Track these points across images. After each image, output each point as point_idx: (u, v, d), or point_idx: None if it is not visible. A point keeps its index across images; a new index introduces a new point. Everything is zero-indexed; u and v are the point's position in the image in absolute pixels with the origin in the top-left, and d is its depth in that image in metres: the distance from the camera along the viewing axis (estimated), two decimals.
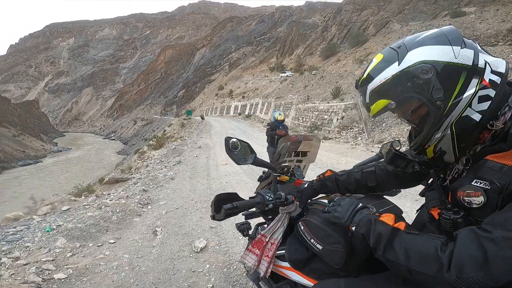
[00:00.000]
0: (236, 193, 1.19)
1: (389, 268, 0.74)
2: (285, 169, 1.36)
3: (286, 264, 1.12)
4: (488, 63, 0.64)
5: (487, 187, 0.63)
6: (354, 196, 1.10)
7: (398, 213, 0.87)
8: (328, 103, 15.08)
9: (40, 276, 2.37)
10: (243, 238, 2.32)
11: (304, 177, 1.38)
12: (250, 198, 1.13)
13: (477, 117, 0.63)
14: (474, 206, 0.66)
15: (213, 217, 1.08)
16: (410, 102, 0.68)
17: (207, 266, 2.50)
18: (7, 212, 5.35)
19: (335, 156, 7.40)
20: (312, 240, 0.97)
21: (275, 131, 5.52)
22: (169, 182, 5.88)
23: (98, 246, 3.01)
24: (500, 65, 0.65)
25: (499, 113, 0.63)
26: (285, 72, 34.58)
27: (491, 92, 0.63)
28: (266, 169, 1.30)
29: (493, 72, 0.64)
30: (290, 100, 20.45)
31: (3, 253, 2.89)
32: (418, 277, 0.65)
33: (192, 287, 2.26)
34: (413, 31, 18.87)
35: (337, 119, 12.58)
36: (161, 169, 7.59)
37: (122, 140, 69.68)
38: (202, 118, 28.14)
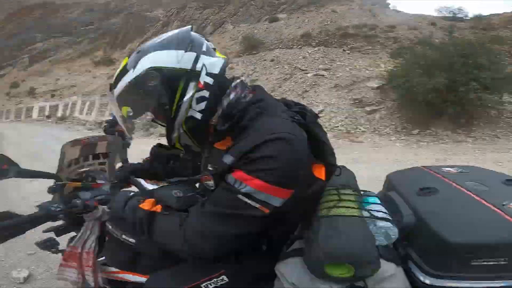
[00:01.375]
0: (8, 211, 0.96)
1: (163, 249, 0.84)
2: (83, 175, 1.23)
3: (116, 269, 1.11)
4: (205, 66, 0.71)
5: (214, 170, 0.72)
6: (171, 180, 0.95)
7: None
8: None
9: None
10: None
11: (112, 178, 1.26)
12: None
13: (199, 115, 0.72)
14: (211, 188, 0.73)
15: None
16: (145, 108, 0.77)
17: None
18: None
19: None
20: (123, 236, 0.98)
21: None
22: None
23: None
24: (216, 66, 0.73)
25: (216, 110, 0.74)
26: None
27: (206, 93, 0.71)
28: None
29: (208, 74, 0.71)
30: None
31: None
32: (174, 251, 0.78)
33: None
34: (241, 32, 20.59)
35: None
36: None
37: None
38: None
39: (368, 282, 0.68)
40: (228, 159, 0.65)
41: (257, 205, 0.64)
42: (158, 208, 0.77)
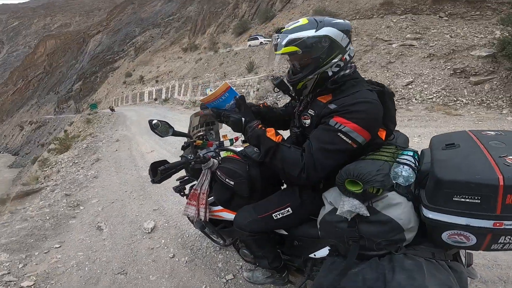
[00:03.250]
0: (166, 160, 1.41)
1: (273, 170, 1.13)
2: (201, 137, 1.70)
3: (218, 207, 1.50)
4: (351, 49, 1.09)
5: (313, 114, 1.10)
6: None
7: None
8: (244, 77, 15.57)
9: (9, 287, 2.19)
10: None
11: (216, 139, 1.77)
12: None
13: (330, 73, 1.07)
14: (307, 125, 1.12)
15: (153, 181, 1.33)
16: (309, 54, 1.05)
17: (163, 241, 2.61)
18: None
19: None
20: (227, 180, 1.34)
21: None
22: (94, 181, 5.31)
23: (45, 253, 2.76)
24: (352, 52, 1.10)
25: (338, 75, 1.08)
26: (257, 38, 23.60)
27: (341, 64, 1.07)
28: (186, 139, 1.63)
29: (349, 55, 1.08)
30: (208, 78, 20.25)
31: None
32: (288, 177, 1.06)
33: (156, 260, 2.35)
34: (312, 6, 20.62)
35: (253, 91, 13.32)
36: (78, 170, 6.68)
37: (10, 151, 56.24)
38: (112, 109, 25.19)
39: (377, 205, 0.95)
40: (333, 106, 1.01)
41: (349, 141, 0.96)
42: (280, 138, 1.10)
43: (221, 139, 1.72)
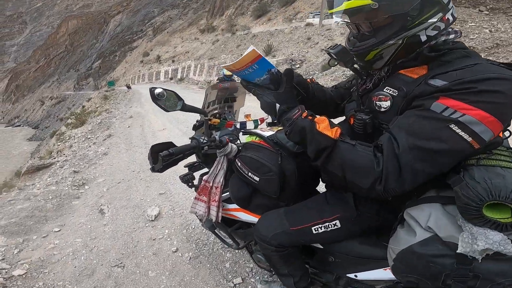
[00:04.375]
0: (171, 142, 1.14)
1: (325, 175, 0.83)
2: (217, 115, 1.37)
3: (233, 206, 1.18)
4: (453, 8, 0.77)
5: (394, 94, 0.75)
6: None
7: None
8: None
9: None
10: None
11: (235, 119, 1.40)
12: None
13: (423, 38, 0.74)
14: (382, 109, 0.77)
15: (153, 169, 1.02)
16: (390, 8, 0.71)
17: (166, 231, 2.36)
18: None
19: None
20: (249, 174, 1.01)
21: None
22: (103, 158, 5.18)
23: (44, 237, 2.61)
24: (455, 13, 0.78)
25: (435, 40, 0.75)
26: (312, 16, 21.02)
27: (442, 25, 0.74)
28: (199, 118, 1.29)
29: (452, 15, 0.75)
30: (224, 60, 20.13)
31: None
32: (353, 187, 0.72)
33: (157, 253, 2.09)
34: None
35: None
36: (89, 146, 6.65)
37: (31, 124, 59.11)
38: (129, 87, 25.61)
39: None
40: (439, 83, 0.65)
41: (469, 139, 0.60)
42: (338, 132, 0.73)
43: (244, 120, 1.36)
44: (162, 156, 0.95)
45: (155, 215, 2.61)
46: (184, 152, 1.03)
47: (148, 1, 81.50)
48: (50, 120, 48.63)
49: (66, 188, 3.72)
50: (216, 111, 1.39)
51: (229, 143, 1.14)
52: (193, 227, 2.37)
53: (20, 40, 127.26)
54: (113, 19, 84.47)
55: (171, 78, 29.36)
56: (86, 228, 2.66)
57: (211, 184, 1.16)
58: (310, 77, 1.14)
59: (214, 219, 1.18)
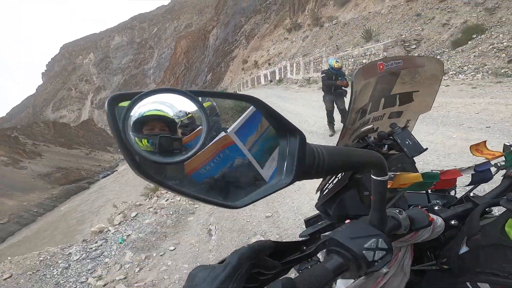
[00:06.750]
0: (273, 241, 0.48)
1: None
2: (367, 135, 0.70)
3: None
4: None
5: None
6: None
7: None
8: (362, 47, 15.17)
9: None
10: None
11: (416, 148, 0.67)
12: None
13: None
14: None
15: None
16: None
17: None
18: (96, 223, 6.22)
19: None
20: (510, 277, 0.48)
21: (332, 80, 5.30)
22: None
23: (161, 255, 2.85)
24: None
25: None
26: None
27: None
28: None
29: None
30: (319, 54, 20.33)
31: (88, 272, 2.98)
32: None
33: None
34: None
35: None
36: None
37: None
38: None
39: None
40: None
41: None
42: None
43: None
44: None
45: None
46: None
47: (233, 12, 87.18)
48: None
49: (184, 203, 4.04)
50: (367, 128, 0.69)
51: (434, 218, 0.54)
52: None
53: (153, 64, 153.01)
54: (210, 34, 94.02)
55: (270, 81, 29.95)
56: (194, 251, 2.77)
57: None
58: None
59: None
